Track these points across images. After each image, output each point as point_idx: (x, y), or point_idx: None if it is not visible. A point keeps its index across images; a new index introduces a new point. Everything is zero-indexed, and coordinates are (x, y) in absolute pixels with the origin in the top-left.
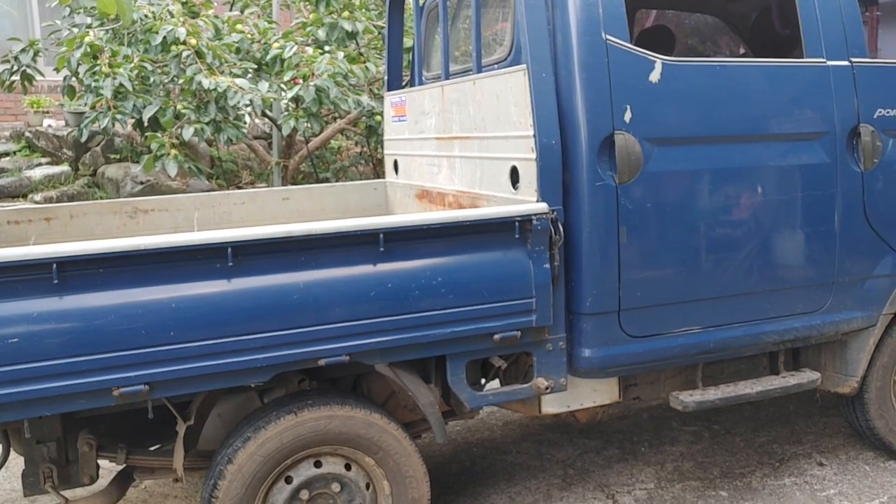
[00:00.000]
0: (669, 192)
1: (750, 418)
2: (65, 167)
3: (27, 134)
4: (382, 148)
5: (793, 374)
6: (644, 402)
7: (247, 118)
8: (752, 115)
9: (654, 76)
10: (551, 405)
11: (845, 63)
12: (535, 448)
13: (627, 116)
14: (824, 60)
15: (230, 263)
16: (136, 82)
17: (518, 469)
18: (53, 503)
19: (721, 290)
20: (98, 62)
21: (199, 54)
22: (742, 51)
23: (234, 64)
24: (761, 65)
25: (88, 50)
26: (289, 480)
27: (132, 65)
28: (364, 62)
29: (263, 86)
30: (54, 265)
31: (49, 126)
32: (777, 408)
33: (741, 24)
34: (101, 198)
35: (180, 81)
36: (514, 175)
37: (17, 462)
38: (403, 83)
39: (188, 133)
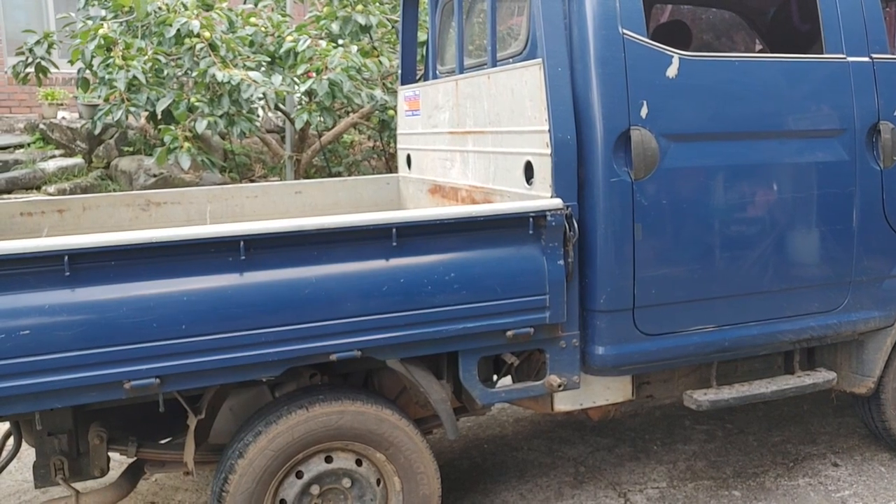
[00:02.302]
0: (685, 188)
1: (763, 418)
2: (78, 159)
3: (41, 126)
4: (395, 142)
5: (808, 373)
6: (657, 400)
7: (260, 111)
8: (770, 111)
9: (672, 71)
10: (564, 403)
11: (866, 59)
12: (547, 445)
13: (644, 112)
14: (844, 56)
15: (242, 257)
16: (150, 75)
17: (529, 466)
18: (64, 495)
19: (737, 289)
20: (112, 54)
21: (212, 47)
22: (759, 47)
23: (248, 57)
24: (780, 60)
25: (102, 42)
26: (300, 475)
27: (146, 57)
28: (377, 56)
29: (277, 79)
30: (66, 257)
31: (63, 118)
32: (791, 407)
33: (758, 19)
34: (114, 190)
35: (194, 74)
36: (529, 170)
37: (28, 454)
38: (417, 77)
39: (201, 126)
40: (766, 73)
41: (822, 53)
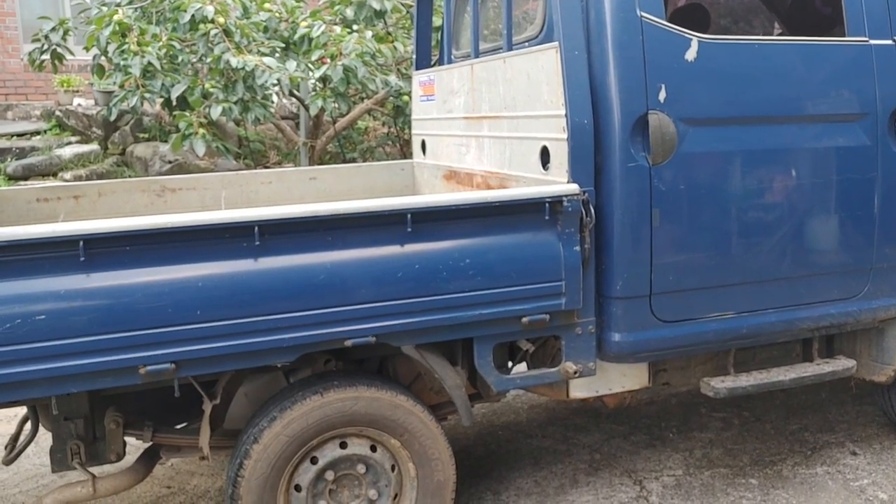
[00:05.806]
0: (704, 173)
1: (781, 406)
2: (94, 146)
3: (57, 113)
4: (410, 128)
5: (827, 361)
6: (673, 387)
7: (274, 98)
8: (790, 95)
9: (690, 55)
10: (579, 390)
11: (889, 42)
12: (562, 432)
13: (662, 96)
14: (867, 39)
15: (257, 242)
16: (165, 61)
17: (544, 453)
18: (81, 479)
19: (755, 275)
20: (127, 41)
21: (227, 33)
22: (778, 30)
23: (262, 43)
24: (801, 44)
25: (117, 28)
26: (314, 461)
27: (160, 43)
28: (392, 42)
29: (291, 65)
30: (81, 242)
31: (79, 105)
32: (809, 395)
33: (778, 2)
34: (130, 176)
35: (208, 60)
36: (545, 155)
37: (45, 438)
38: (432, 62)
39: (216, 112)
40: (786, 56)
41: (843, 36)
